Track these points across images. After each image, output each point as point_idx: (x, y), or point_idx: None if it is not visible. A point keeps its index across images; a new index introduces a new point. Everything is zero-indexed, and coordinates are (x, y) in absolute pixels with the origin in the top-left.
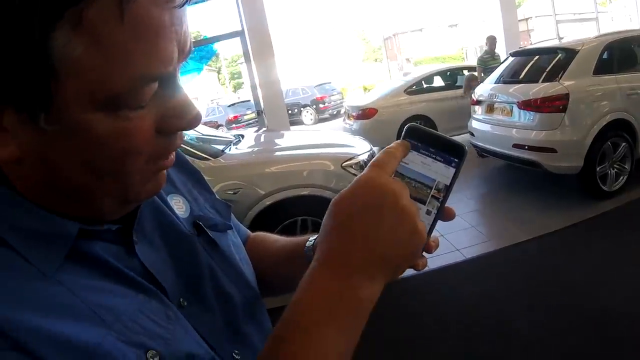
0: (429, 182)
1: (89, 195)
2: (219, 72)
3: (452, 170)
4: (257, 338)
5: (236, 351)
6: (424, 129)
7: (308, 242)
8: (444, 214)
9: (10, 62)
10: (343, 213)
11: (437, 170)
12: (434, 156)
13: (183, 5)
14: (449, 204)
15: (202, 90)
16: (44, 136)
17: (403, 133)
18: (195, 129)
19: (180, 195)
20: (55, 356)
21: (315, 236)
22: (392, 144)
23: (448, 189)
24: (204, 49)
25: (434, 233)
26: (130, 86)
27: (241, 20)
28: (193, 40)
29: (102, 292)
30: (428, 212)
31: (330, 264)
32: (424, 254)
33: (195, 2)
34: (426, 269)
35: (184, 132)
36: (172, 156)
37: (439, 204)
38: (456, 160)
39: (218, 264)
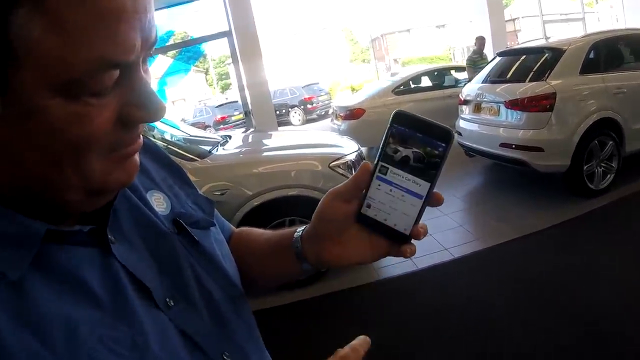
0: (417, 171)
1: (50, 186)
2: (206, 73)
3: (438, 155)
4: (243, 337)
5: (226, 353)
6: (411, 115)
7: (296, 234)
8: (433, 199)
9: None
10: None
11: (424, 158)
12: (420, 141)
13: None
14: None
15: (190, 91)
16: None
17: (390, 118)
18: (183, 129)
19: (161, 192)
20: None
21: (303, 227)
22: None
23: (436, 174)
24: (191, 50)
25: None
26: (89, 70)
27: (228, 21)
28: (180, 40)
29: (60, 316)
30: (417, 197)
31: None
32: (413, 240)
33: (182, 3)
34: (414, 268)
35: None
36: (137, 144)
37: (427, 190)
38: (443, 144)
39: (199, 262)
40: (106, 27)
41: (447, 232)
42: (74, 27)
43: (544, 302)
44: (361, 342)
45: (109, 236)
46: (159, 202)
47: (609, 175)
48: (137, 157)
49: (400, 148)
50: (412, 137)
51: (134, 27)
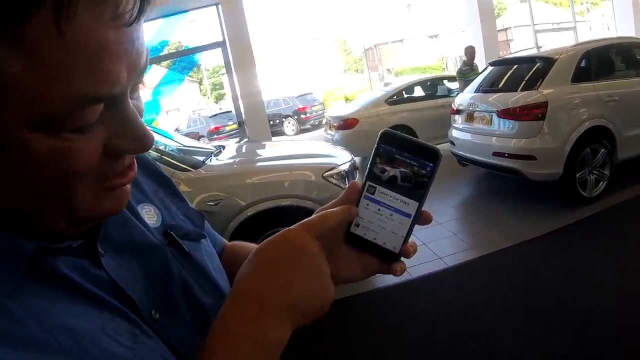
0: (405, 191)
1: (37, 215)
2: (200, 83)
3: (426, 175)
4: None
5: None
6: (398, 135)
7: None
8: (422, 218)
9: None
10: (265, 257)
11: (412, 178)
12: (408, 161)
13: (131, 25)
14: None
15: (184, 101)
16: None
17: (377, 138)
18: (177, 140)
19: (151, 204)
20: None
21: None
22: (333, 209)
23: (424, 193)
24: (185, 60)
25: (412, 238)
26: (69, 107)
27: (222, 31)
28: (175, 50)
29: (61, 314)
30: (406, 216)
31: (245, 301)
32: (403, 259)
33: (177, 13)
34: (408, 277)
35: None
36: (128, 176)
37: (416, 209)
38: (431, 164)
39: (190, 274)
40: (87, 63)
41: (440, 241)
42: (52, 64)
43: (538, 310)
44: (335, 211)
45: (99, 249)
46: (149, 215)
47: (601, 183)
48: (128, 186)
49: (387, 168)
50: (400, 156)
51: (118, 59)
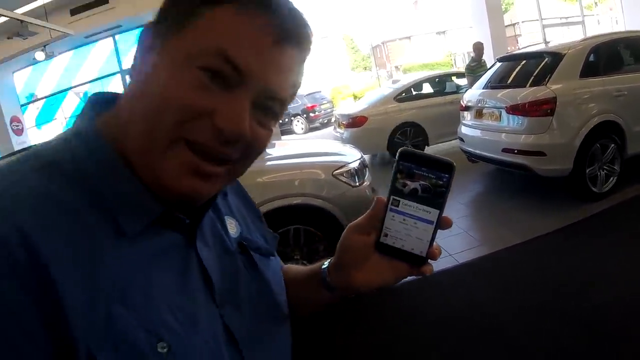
0: (426, 201)
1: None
2: None
3: (443, 185)
4: (274, 351)
5: (245, 351)
6: (416, 152)
7: (323, 266)
8: (442, 223)
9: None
10: None
11: (431, 189)
12: (426, 174)
13: (281, 45)
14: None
15: None
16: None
17: (397, 157)
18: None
19: (234, 219)
20: (76, 302)
21: (329, 260)
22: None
23: (442, 202)
24: None
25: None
26: (216, 57)
27: None
28: None
29: (151, 276)
30: (429, 224)
31: None
32: (430, 260)
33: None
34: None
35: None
36: (218, 170)
37: (437, 216)
38: (446, 175)
39: (253, 281)
40: (239, 37)
41: (451, 238)
42: (223, 27)
43: (549, 306)
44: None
45: (197, 233)
46: (231, 226)
47: (611, 178)
48: (205, 186)
49: (408, 182)
50: (418, 171)
51: (259, 54)
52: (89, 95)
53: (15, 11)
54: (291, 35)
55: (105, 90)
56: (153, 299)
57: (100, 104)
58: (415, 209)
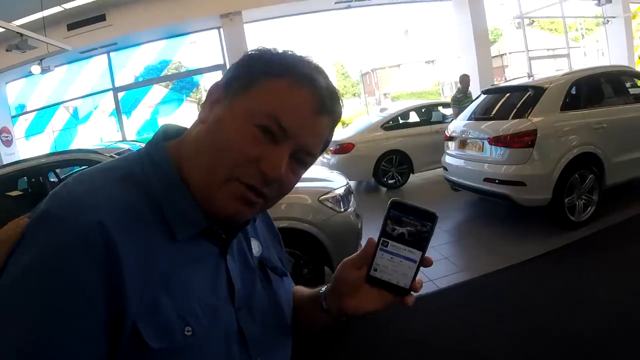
0: (411, 243)
1: (213, 176)
2: (198, 103)
3: (427, 232)
4: (278, 356)
5: (259, 359)
6: (405, 203)
7: (321, 292)
8: (425, 262)
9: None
10: None
11: (416, 234)
12: (412, 222)
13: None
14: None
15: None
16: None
17: (388, 205)
18: None
19: (258, 240)
20: (133, 287)
21: (325, 286)
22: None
23: (425, 245)
24: (185, 81)
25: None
26: (268, 117)
27: (223, 54)
28: (175, 72)
29: (190, 274)
30: (413, 262)
31: None
32: (412, 293)
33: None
34: None
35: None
36: (257, 199)
37: (420, 256)
38: (429, 223)
39: (267, 296)
40: (286, 106)
41: (434, 264)
42: (272, 94)
43: (529, 330)
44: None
45: (228, 248)
46: (254, 246)
47: (590, 208)
48: (247, 211)
49: (397, 227)
50: (406, 219)
51: (298, 119)
52: (160, 125)
53: (13, 23)
54: (327, 107)
55: (174, 123)
56: (188, 292)
57: (168, 133)
58: (401, 250)
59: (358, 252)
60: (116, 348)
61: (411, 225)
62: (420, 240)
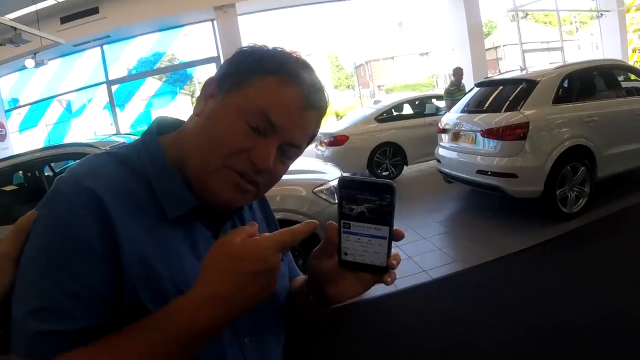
0: (374, 220)
1: (203, 177)
2: (192, 96)
3: (387, 204)
4: (268, 335)
5: (247, 339)
6: (354, 179)
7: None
8: (395, 236)
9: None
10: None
11: (376, 210)
12: (369, 197)
13: (305, 111)
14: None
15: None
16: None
17: (337, 184)
18: None
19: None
20: (128, 248)
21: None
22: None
23: (390, 218)
24: (178, 73)
25: (399, 252)
26: (259, 113)
27: (217, 46)
28: (169, 64)
29: (183, 254)
30: (382, 239)
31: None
32: (390, 270)
33: (173, 27)
34: (393, 289)
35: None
36: (248, 179)
37: (388, 231)
38: (388, 195)
39: None
40: (276, 102)
41: (426, 255)
42: (262, 92)
43: (521, 321)
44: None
45: (220, 231)
46: None
47: (581, 200)
48: (242, 198)
49: (353, 206)
50: (361, 196)
51: (287, 115)
52: (154, 117)
53: (6, 16)
54: (313, 103)
55: (169, 116)
56: (183, 265)
57: (163, 125)
58: (366, 229)
59: (322, 241)
60: (122, 307)
61: (369, 202)
62: (383, 215)
